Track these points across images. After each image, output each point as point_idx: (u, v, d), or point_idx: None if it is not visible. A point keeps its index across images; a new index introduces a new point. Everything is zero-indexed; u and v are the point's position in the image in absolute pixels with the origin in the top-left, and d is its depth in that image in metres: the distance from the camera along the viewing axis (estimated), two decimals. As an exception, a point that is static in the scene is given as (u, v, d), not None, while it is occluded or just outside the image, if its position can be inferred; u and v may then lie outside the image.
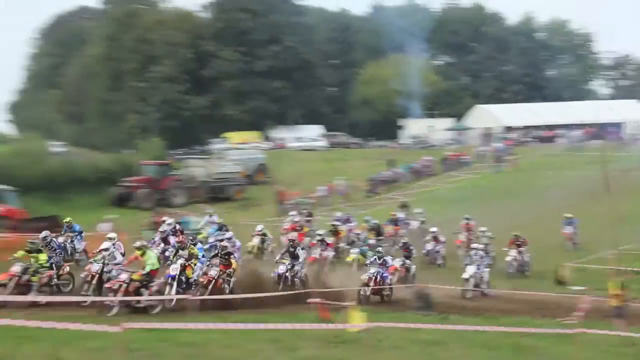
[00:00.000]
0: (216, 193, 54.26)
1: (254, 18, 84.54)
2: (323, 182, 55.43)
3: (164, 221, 30.58)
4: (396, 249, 29.28)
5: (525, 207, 42.79)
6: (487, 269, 26.59)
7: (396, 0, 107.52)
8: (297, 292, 21.82)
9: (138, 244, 21.02)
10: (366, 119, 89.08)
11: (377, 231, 33.47)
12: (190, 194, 53.00)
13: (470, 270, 25.58)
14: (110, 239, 22.48)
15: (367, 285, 23.21)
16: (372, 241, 31.31)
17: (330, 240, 30.63)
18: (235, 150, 66.39)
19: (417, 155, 67.56)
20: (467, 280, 25.41)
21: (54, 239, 23.43)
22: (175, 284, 20.73)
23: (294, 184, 56.42)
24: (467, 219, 34.28)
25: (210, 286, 21.13)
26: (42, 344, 13.08)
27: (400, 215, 37.65)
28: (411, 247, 28.52)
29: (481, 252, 26.60)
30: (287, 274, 23.69)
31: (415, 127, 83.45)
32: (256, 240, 30.77)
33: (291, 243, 25.05)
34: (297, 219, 35.21)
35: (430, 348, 14.79)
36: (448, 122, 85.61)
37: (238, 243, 28.04)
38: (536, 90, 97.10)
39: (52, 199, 47.52)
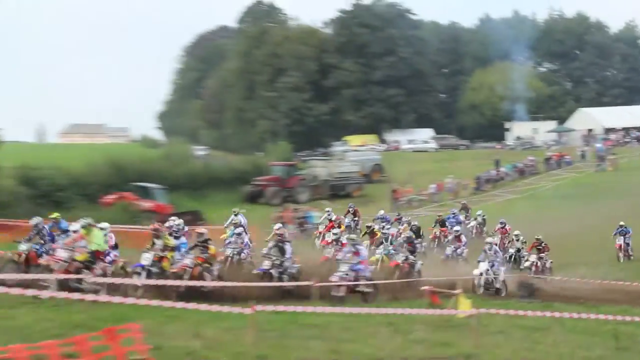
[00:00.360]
0: (336, 191, 54.74)
1: (372, 32, 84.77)
2: (433, 181, 55.16)
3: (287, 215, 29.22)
4: (400, 242, 24.62)
5: (625, 204, 40.94)
6: (503, 267, 23.30)
7: (503, 12, 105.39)
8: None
9: (83, 222, 17.74)
10: (474, 122, 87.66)
11: (417, 232, 29.14)
12: (313, 191, 53.75)
13: (482, 266, 22.07)
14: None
15: (338, 286, 18.89)
16: None
17: (365, 242, 26.45)
18: (354, 151, 66.78)
19: (522, 155, 66.13)
20: (478, 276, 21.99)
21: (45, 226, 19.86)
22: (144, 273, 17.88)
23: (407, 182, 56.41)
24: (502, 223, 31.09)
25: (186, 275, 18.72)
26: (185, 323, 13.48)
27: (460, 217, 35.15)
28: (416, 242, 24.78)
29: (496, 248, 23.52)
30: (272, 270, 20.10)
31: (520, 130, 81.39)
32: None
33: (279, 237, 21.49)
34: (333, 217, 31.00)
35: (534, 333, 14.45)
36: (551, 124, 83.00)
37: (246, 239, 24.37)
38: (637, 93, 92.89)
39: (194, 195, 49.03)
